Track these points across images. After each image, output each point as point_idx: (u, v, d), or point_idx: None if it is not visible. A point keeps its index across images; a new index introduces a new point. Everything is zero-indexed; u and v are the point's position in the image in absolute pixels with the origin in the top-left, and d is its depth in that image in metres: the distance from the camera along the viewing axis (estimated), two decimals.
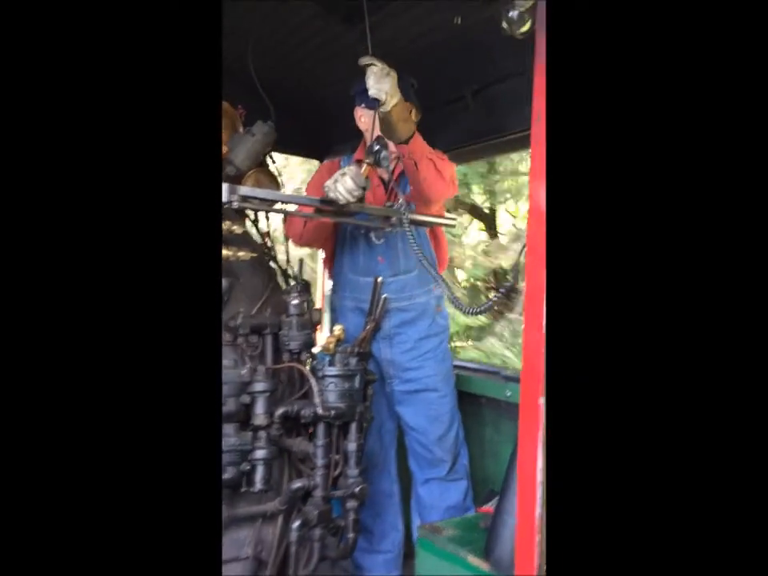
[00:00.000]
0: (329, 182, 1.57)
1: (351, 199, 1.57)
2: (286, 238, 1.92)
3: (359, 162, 1.68)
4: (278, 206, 1.72)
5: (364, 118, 1.87)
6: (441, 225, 1.73)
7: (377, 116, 1.61)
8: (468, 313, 1.36)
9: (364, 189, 1.59)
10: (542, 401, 0.99)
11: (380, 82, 1.50)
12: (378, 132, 1.64)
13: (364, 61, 1.51)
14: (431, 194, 1.75)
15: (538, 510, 0.98)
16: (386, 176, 1.89)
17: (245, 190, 1.38)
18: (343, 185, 1.54)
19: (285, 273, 1.93)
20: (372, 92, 1.51)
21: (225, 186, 1.35)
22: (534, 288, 1.00)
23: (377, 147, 1.53)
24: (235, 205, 1.36)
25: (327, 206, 1.62)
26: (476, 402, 2.10)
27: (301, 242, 1.95)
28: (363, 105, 1.85)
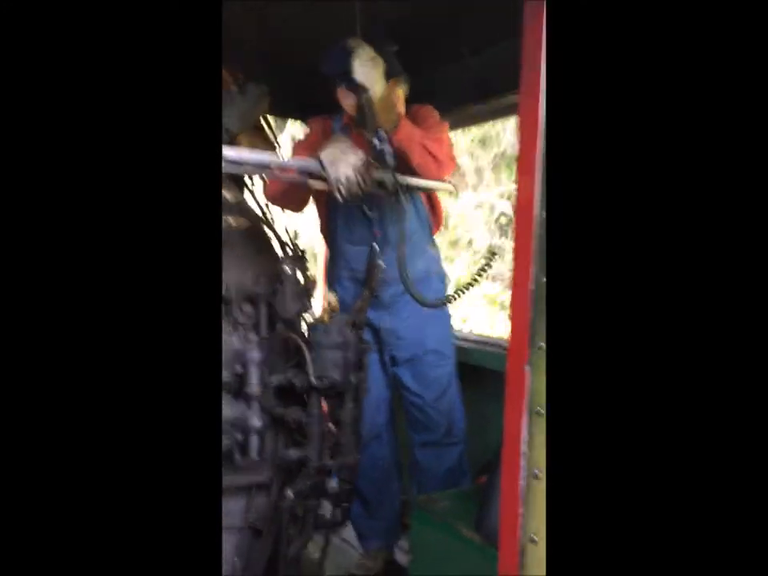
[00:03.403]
0: (330, 172, 1.47)
1: (350, 200, 1.51)
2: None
3: (365, 160, 1.55)
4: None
5: (349, 100, 1.73)
6: (439, 189, 1.68)
7: (363, 103, 1.53)
8: (428, 305, 1.32)
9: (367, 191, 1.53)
10: (527, 369, 0.95)
11: (366, 66, 1.47)
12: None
13: (351, 43, 1.46)
14: (427, 177, 1.68)
15: (522, 481, 0.95)
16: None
17: (231, 154, 1.33)
18: (348, 190, 1.48)
19: (282, 242, 1.90)
20: (357, 77, 1.47)
21: None
22: (521, 250, 0.96)
23: (378, 144, 1.45)
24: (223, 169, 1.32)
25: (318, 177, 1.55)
26: (476, 374, 2.07)
27: (278, 201, 1.85)
28: (344, 85, 1.71)
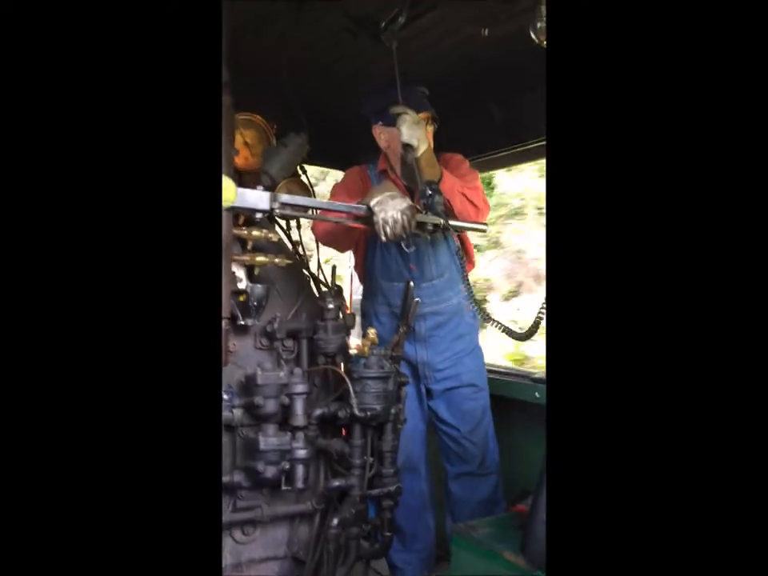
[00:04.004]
0: (378, 212, 1.56)
1: (393, 240, 1.61)
2: (317, 242, 1.97)
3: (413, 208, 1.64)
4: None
5: (384, 135, 1.91)
6: (474, 230, 1.79)
7: (409, 161, 1.68)
8: (520, 338, 1.40)
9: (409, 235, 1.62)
10: None
11: (412, 129, 1.62)
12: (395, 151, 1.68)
13: (397, 110, 1.62)
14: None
15: None
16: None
17: (285, 197, 1.44)
18: (393, 230, 1.56)
19: (316, 279, 1.98)
20: (404, 138, 1.63)
21: (266, 195, 1.41)
22: None
23: (429, 193, 1.59)
24: (277, 212, 1.42)
25: (363, 218, 1.65)
26: (505, 405, 2.14)
27: (326, 241, 1.94)
28: (381, 123, 1.89)
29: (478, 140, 2.20)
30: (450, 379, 2.00)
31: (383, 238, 1.58)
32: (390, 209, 1.55)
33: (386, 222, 1.55)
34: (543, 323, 1.42)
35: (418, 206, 1.63)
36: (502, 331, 1.46)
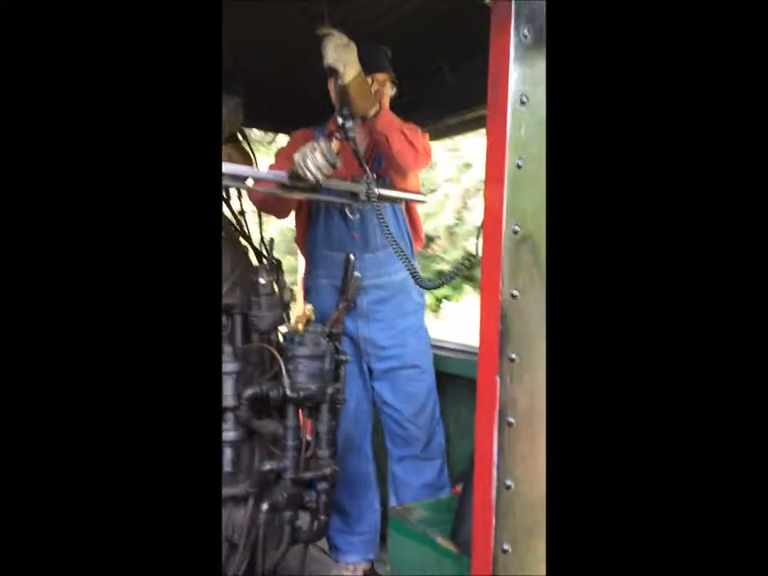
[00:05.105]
0: (297, 157, 1.50)
1: (320, 177, 1.50)
2: (259, 213, 1.87)
3: (330, 136, 1.61)
4: (249, 181, 1.67)
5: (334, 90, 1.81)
6: (411, 201, 1.69)
7: (336, 89, 1.54)
8: (427, 287, 1.29)
9: (334, 165, 1.52)
10: (497, 379, 0.96)
11: (338, 51, 1.44)
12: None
13: (322, 30, 1.45)
14: (404, 166, 1.72)
15: (494, 491, 0.95)
16: (360, 149, 1.77)
17: None
18: (313, 161, 1.47)
19: (258, 252, 1.89)
20: (329, 61, 1.45)
21: None
22: (490, 261, 0.96)
23: (341, 119, 1.47)
24: None
25: (295, 182, 1.56)
26: (452, 382, 2.07)
27: (262, 207, 1.86)
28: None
29: (428, 107, 2.09)
30: (392, 359, 1.92)
31: (309, 177, 1.50)
32: (309, 151, 1.48)
33: (304, 156, 1.47)
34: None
35: (336, 135, 1.53)
36: (410, 273, 1.34)
